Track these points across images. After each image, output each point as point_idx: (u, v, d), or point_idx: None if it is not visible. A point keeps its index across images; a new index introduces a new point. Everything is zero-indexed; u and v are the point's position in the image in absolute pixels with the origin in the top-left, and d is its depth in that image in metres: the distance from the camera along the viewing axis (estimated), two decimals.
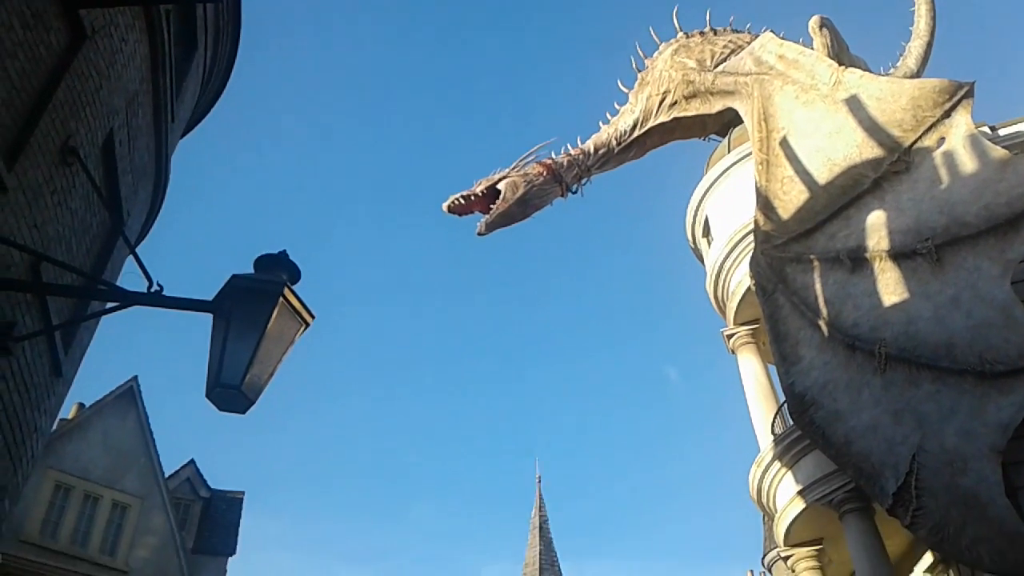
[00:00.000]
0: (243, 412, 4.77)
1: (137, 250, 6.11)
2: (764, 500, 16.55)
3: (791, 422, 14.06)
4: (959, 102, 13.06)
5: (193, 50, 9.32)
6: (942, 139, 13.01)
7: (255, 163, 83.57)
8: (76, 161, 6.05)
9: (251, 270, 4.90)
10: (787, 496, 15.30)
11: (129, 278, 6.93)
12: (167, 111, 8.45)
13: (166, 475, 23.89)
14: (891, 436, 11.57)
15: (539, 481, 46.66)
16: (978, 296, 11.56)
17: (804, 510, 14.84)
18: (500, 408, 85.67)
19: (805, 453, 14.56)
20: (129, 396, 23.48)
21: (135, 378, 23.77)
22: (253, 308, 4.73)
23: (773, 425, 16.30)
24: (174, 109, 8.86)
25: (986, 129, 15.36)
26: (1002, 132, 15.64)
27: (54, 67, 5.74)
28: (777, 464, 15.42)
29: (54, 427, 7.19)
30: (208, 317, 4.77)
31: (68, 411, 22.98)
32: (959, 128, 12.88)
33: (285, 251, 4.99)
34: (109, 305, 5.34)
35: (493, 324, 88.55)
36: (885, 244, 12.75)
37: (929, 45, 17.29)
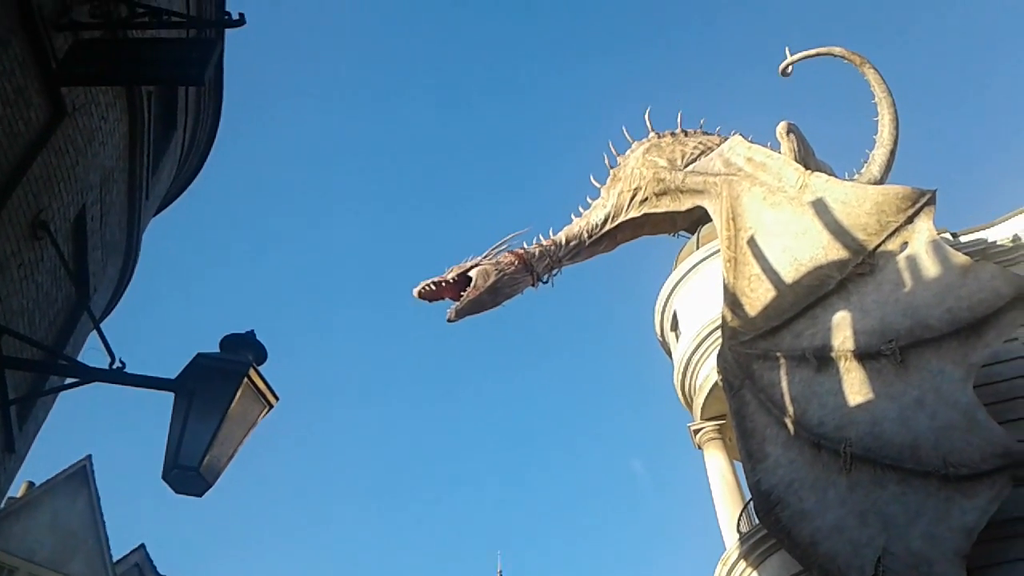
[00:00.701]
0: (200, 495, 4.65)
1: (102, 325, 6.02)
2: None
3: (757, 520, 13.93)
4: (921, 208, 13.44)
5: (172, 130, 9.41)
6: (905, 244, 13.32)
7: (230, 241, 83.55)
8: (46, 235, 6.01)
9: (217, 349, 4.84)
10: None
11: (92, 354, 6.82)
12: (142, 189, 8.47)
13: (114, 559, 23.05)
14: (857, 538, 11.49)
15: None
16: (942, 399, 11.67)
17: None
18: (460, 500, 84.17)
19: (771, 552, 14.37)
20: (81, 475, 22.80)
21: (88, 457, 23.13)
22: (216, 388, 4.67)
23: (739, 523, 16.13)
24: (149, 187, 8.88)
25: (948, 235, 15.79)
26: (963, 239, 16.08)
27: (31, 142, 5.75)
28: (743, 563, 15.20)
29: (2, 505, 6.95)
30: (170, 396, 4.69)
31: (17, 489, 22.25)
32: (922, 234, 13.22)
33: (252, 331, 4.95)
34: (69, 381, 5.25)
35: (455, 413, 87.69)
36: (850, 344, 12.91)
37: (892, 153, 17.87)
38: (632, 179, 18.26)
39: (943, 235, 14.82)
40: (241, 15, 6.42)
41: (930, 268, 12.83)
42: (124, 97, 7.34)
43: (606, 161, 19.16)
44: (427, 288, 16.65)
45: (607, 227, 18.27)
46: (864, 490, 11.76)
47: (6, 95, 5.37)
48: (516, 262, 17.03)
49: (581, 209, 18.83)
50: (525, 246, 17.54)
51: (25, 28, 5.51)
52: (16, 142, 5.56)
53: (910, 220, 13.44)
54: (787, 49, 18.61)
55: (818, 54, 18.64)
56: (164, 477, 4.52)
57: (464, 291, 16.51)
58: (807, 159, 16.50)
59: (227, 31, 7.69)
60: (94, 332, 6.34)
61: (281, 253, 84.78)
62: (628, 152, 19.00)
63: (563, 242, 17.99)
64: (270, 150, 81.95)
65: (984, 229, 16.33)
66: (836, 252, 13.82)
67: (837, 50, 18.60)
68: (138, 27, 6.63)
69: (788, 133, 16.58)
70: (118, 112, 7.29)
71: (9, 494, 8.01)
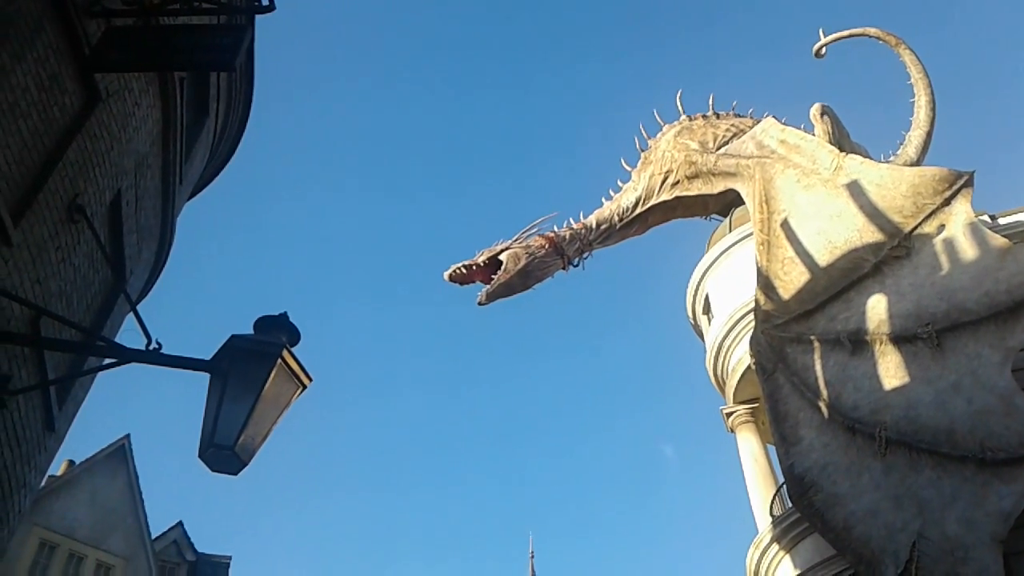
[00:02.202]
0: (235, 473, 4.71)
1: (138, 308, 6.11)
2: None
3: (790, 504, 13.87)
4: (959, 191, 13.23)
5: (204, 115, 9.49)
6: (942, 226, 13.13)
7: (261, 225, 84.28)
8: (82, 219, 6.10)
9: (251, 331, 4.89)
10: None
11: (128, 335, 6.92)
12: (175, 173, 8.56)
13: (153, 536, 23.51)
14: (891, 522, 11.41)
15: (532, 557, 45.84)
16: (979, 383, 11.52)
17: None
18: (494, 483, 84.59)
19: (804, 536, 14.31)
20: (120, 455, 23.24)
21: (127, 436, 23.57)
22: (251, 369, 4.71)
23: (772, 506, 16.07)
24: (182, 172, 8.98)
25: (986, 218, 15.53)
26: (1002, 221, 15.81)
27: (67, 127, 5.84)
28: (775, 547, 15.15)
29: (43, 483, 7.11)
30: (206, 377, 4.76)
31: (58, 467, 22.73)
32: (959, 216, 13.02)
33: (286, 313, 4.99)
34: (106, 361, 5.33)
35: (487, 396, 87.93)
36: (886, 327, 12.77)
37: (929, 135, 17.58)
38: (663, 162, 18.14)
39: (981, 217, 14.58)
40: (271, 1, 6.45)
41: (968, 251, 12.64)
42: (156, 83, 7.42)
43: (636, 144, 19.06)
44: (458, 271, 16.72)
45: (638, 210, 18.19)
46: (899, 474, 11.66)
47: (41, 81, 5.45)
48: (546, 245, 17.03)
49: (612, 192, 18.76)
50: (556, 229, 17.53)
51: (58, 15, 5.58)
52: (52, 127, 5.65)
53: (947, 202, 13.25)
54: (821, 31, 18.35)
55: (852, 35, 18.36)
56: (200, 456, 4.59)
57: (495, 274, 16.55)
58: (842, 141, 16.29)
59: (257, 17, 7.72)
60: (131, 314, 6.44)
61: (313, 236, 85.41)
62: (659, 135, 18.87)
63: (593, 225, 17.95)
64: (301, 134, 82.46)
65: (1023, 211, 16.05)
66: (871, 235, 13.66)
67: (872, 31, 18.30)
68: (169, 13, 6.68)
69: (822, 115, 16.38)
70: (151, 98, 7.37)
71: (50, 472, 8.19)
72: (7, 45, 5.08)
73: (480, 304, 16.56)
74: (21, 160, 5.28)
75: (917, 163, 17.11)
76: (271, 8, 6.43)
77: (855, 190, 14.25)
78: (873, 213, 13.82)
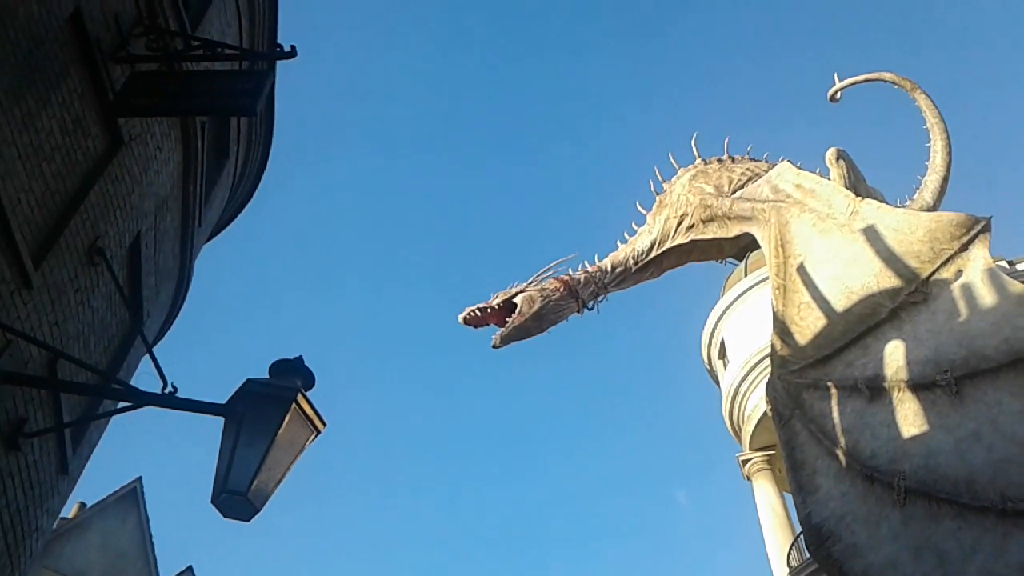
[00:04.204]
0: (248, 520, 4.69)
1: (154, 350, 6.13)
2: None
3: (808, 554, 13.64)
4: (976, 236, 13.17)
5: (225, 158, 9.61)
6: (960, 272, 13.05)
7: (279, 268, 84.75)
8: (102, 261, 6.15)
9: (266, 374, 4.89)
10: None
11: (144, 378, 6.94)
12: (195, 216, 8.64)
13: None
14: (911, 574, 11.18)
15: None
16: (999, 431, 11.35)
17: None
18: (505, 528, 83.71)
19: None
20: (132, 497, 23.18)
21: (139, 479, 23.52)
22: (265, 413, 4.72)
23: (789, 556, 15.84)
24: (202, 214, 9.06)
25: (1004, 263, 15.45)
26: (1020, 267, 15.73)
27: (89, 171, 5.92)
28: None
29: (54, 526, 7.08)
30: (220, 420, 4.75)
31: (69, 510, 22.67)
32: (977, 261, 12.94)
33: (301, 357, 5.00)
34: (122, 404, 5.34)
35: (495, 439, 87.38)
36: (904, 374, 12.63)
37: (945, 179, 17.55)
38: (678, 205, 18.16)
39: (999, 263, 14.49)
40: (292, 47, 6.56)
41: (986, 297, 12.54)
42: (179, 127, 7.53)
43: (652, 187, 19.12)
44: (472, 314, 16.74)
45: (653, 253, 18.18)
46: (918, 525, 11.45)
47: (65, 125, 5.53)
48: (561, 288, 17.02)
49: (626, 235, 18.78)
50: (571, 273, 17.53)
51: (84, 60, 5.69)
52: (74, 170, 5.72)
53: (964, 248, 13.18)
54: (836, 75, 18.44)
55: (867, 80, 18.43)
56: (213, 502, 4.57)
57: (509, 317, 16.55)
58: (857, 186, 16.28)
59: (279, 63, 7.84)
60: (147, 356, 6.46)
61: (331, 280, 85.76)
62: (674, 178, 18.92)
63: (608, 268, 17.95)
64: (320, 177, 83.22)
65: None
66: (888, 280, 13.58)
67: (887, 75, 18.37)
68: (193, 59, 6.80)
69: (838, 159, 16.40)
70: (172, 142, 7.46)
71: (61, 515, 8.16)
72: (33, 89, 5.17)
73: (495, 347, 16.55)
74: (43, 203, 5.34)
75: (933, 208, 17.07)
76: (292, 55, 6.54)
77: (871, 235, 14.21)
78: (890, 258, 13.76)
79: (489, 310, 16.68)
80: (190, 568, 25.40)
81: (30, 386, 5.29)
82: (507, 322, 16.51)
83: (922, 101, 18.00)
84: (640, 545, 78.43)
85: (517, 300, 16.64)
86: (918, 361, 12.64)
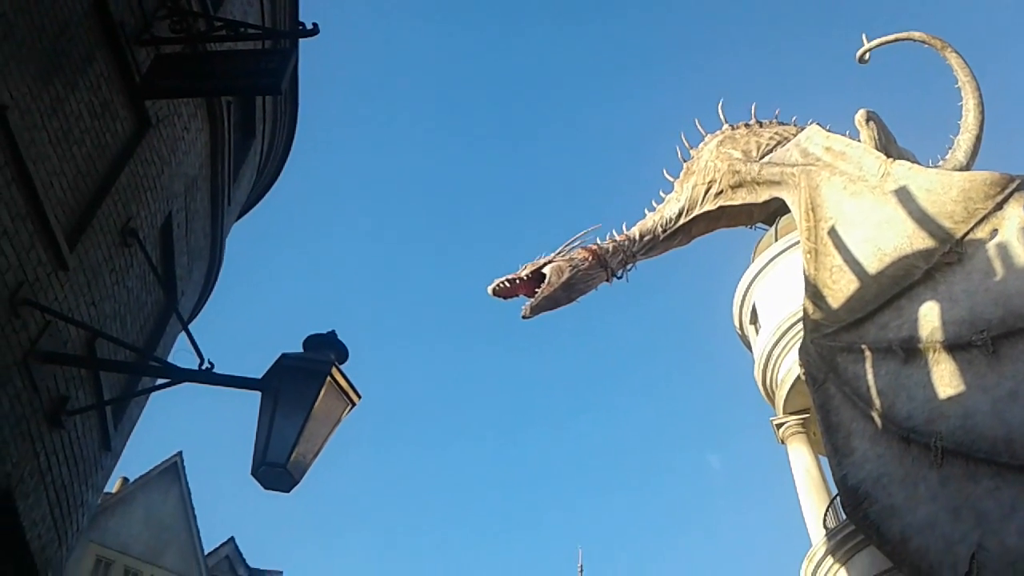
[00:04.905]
0: (287, 491, 4.78)
1: (189, 327, 6.23)
2: None
3: (844, 516, 13.64)
4: (1011, 195, 12.98)
5: (251, 138, 9.67)
6: (995, 231, 12.88)
7: (309, 243, 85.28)
8: (135, 242, 6.24)
9: (300, 349, 4.96)
10: None
11: (181, 355, 7.05)
12: (224, 195, 8.72)
13: (205, 552, 23.83)
14: (949, 534, 11.16)
15: (581, 572, 45.52)
16: None
17: None
18: (542, 497, 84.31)
19: (859, 549, 14.07)
20: (173, 472, 23.64)
21: (179, 453, 23.96)
22: (301, 387, 4.78)
23: (825, 519, 15.81)
24: (231, 193, 9.14)
25: None
26: None
27: (119, 153, 5.99)
28: (830, 559, 14.91)
29: (98, 501, 7.26)
30: (256, 395, 4.83)
31: (112, 485, 23.19)
32: (1012, 220, 12.76)
33: (334, 331, 5.05)
34: (160, 381, 5.44)
35: (534, 416, 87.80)
36: (939, 335, 12.53)
37: (978, 138, 17.25)
38: (706, 172, 18.02)
39: None
40: (315, 25, 6.57)
41: (1022, 255, 12.37)
42: (205, 108, 7.59)
43: (679, 154, 18.97)
44: (501, 285, 16.79)
45: (681, 221, 18.08)
46: (956, 485, 11.41)
47: (93, 109, 5.60)
48: (590, 258, 17.01)
49: (654, 203, 18.68)
50: (599, 242, 17.51)
51: (109, 44, 5.74)
52: (104, 153, 5.80)
53: (999, 207, 12.99)
54: (864, 35, 18.09)
55: (897, 39, 18.05)
56: (253, 474, 4.66)
57: (538, 288, 16.58)
58: (888, 147, 16.06)
59: (301, 41, 7.85)
60: (183, 334, 6.56)
61: (359, 252, 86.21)
62: (701, 145, 18.76)
63: (637, 237, 17.89)
64: (347, 153, 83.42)
65: None
66: (922, 241, 13.43)
67: (917, 35, 18.00)
68: (216, 40, 6.83)
69: (868, 121, 16.15)
70: (199, 122, 7.53)
71: (105, 490, 8.36)
72: (61, 75, 5.23)
73: (524, 317, 16.59)
74: (76, 186, 5.43)
75: (967, 168, 16.80)
76: (315, 32, 6.55)
77: (904, 196, 14.03)
78: (923, 219, 13.59)
79: (518, 281, 16.72)
80: (232, 539, 25.93)
81: (70, 365, 5.41)
82: (536, 293, 16.55)
83: (953, 60, 17.65)
84: (678, 511, 78.73)
85: (546, 271, 16.67)
86: (953, 321, 12.53)
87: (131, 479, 23.27)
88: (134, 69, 6.00)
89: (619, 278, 17.62)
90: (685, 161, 18.74)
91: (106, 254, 5.87)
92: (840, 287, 14.18)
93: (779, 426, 18.14)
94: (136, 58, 6.05)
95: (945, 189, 13.62)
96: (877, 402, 12.82)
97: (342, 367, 4.95)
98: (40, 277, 4.99)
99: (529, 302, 16.56)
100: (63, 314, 5.22)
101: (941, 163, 17.03)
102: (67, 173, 5.31)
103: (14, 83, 4.71)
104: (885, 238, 13.89)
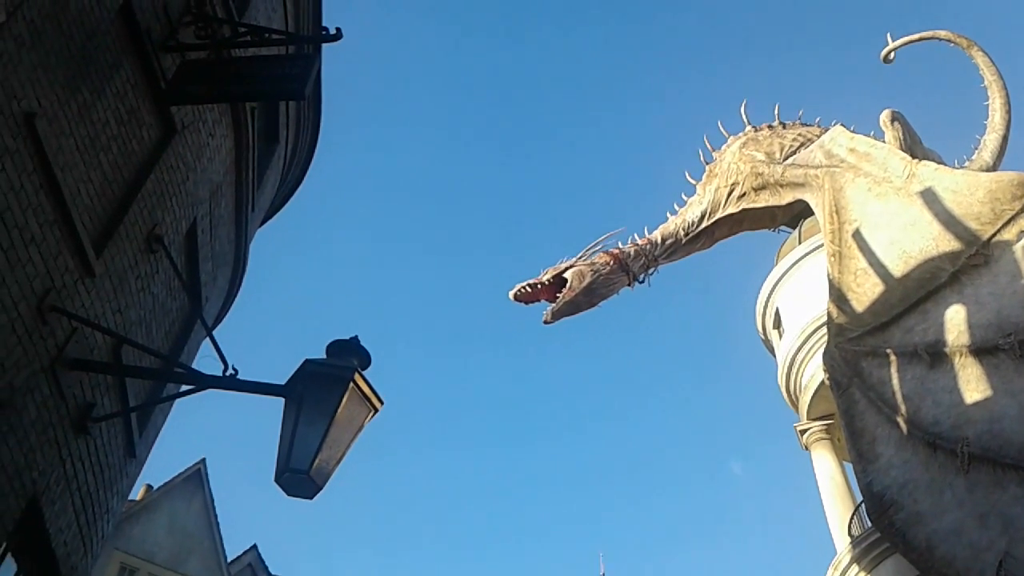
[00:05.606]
0: (311, 498, 4.77)
1: (213, 333, 6.25)
2: None
3: (869, 523, 13.49)
4: None
5: (275, 143, 9.71)
6: (1022, 232, 12.72)
7: (332, 249, 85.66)
8: (161, 248, 6.27)
9: (323, 355, 4.95)
10: None
11: (205, 361, 7.08)
12: (248, 201, 8.76)
13: (228, 559, 23.91)
14: (976, 541, 11.01)
15: None
16: None
17: None
18: (563, 502, 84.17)
19: (885, 557, 13.90)
20: (196, 479, 23.76)
21: (203, 460, 24.08)
22: (324, 393, 4.78)
23: (850, 526, 15.66)
24: (255, 199, 9.18)
25: None
26: None
27: (145, 160, 6.03)
28: (855, 567, 14.76)
29: (123, 508, 7.29)
30: (280, 400, 4.83)
31: (136, 492, 23.33)
32: None
33: (357, 337, 5.04)
34: (185, 387, 5.45)
35: (553, 420, 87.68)
36: (965, 339, 12.37)
37: (1005, 138, 17.05)
38: (729, 174, 17.90)
39: None
40: (338, 29, 6.59)
41: None
42: (229, 114, 7.63)
43: (701, 157, 18.87)
44: (523, 290, 16.75)
45: (704, 224, 17.97)
46: (983, 491, 11.25)
47: (120, 115, 5.63)
48: (611, 262, 16.94)
49: (676, 207, 18.58)
50: (620, 246, 17.43)
51: (135, 51, 5.78)
52: (131, 160, 5.83)
53: None
54: (888, 35, 17.93)
55: (922, 38, 17.88)
56: (276, 480, 4.65)
57: (560, 293, 16.53)
58: (913, 148, 15.90)
59: (324, 45, 7.87)
60: (207, 340, 6.58)
61: (383, 259, 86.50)
62: (724, 147, 18.64)
63: (659, 241, 17.80)
64: (369, 158, 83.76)
65: None
66: (948, 243, 13.27)
67: (943, 33, 17.82)
68: (240, 46, 6.87)
69: (892, 121, 16.00)
70: (224, 128, 7.56)
71: (129, 497, 8.40)
72: (88, 82, 5.27)
73: (546, 323, 16.55)
74: (102, 193, 5.46)
75: (993, 168, 16.61)
76: (338, 37, 6.57)
77: (929, 198, 13.88)
78: (949, 221, 13.43)
79: (540, 286, 16.67)
80: (255, 546, 26.01)
81: (96, 372, 5.44)
82: (558, 297, 16.50)
83: (979, 59, 17.46)
84: (700, 518, 78.31)
85: (567, 275, 16.61)
86: (980, 325, 12.37)
87: (155, 486, 23.41)
88: (160, 76, 6.04)
89: (641, 283, 17.54)
90: (708, 164, 18.64)
91: (132, 261, 5.90)
92: (865, 290, 14.04)
93: (803, 432, 17.98)
94: (162, 64, 6.09)
95: (971, 190, 13.46)
96: (902, 407, 12.68)
97: (364, 373, 4.94)
98: (67, 284, 5.02)
99: (550, 307, 16.51)
100: (90, 320, 5.25)
101: (967, 164, 16.83)
102: (94, 180, 5.34)
103: (42, 90, 4.75)
104: (910, 240, 13.75)
